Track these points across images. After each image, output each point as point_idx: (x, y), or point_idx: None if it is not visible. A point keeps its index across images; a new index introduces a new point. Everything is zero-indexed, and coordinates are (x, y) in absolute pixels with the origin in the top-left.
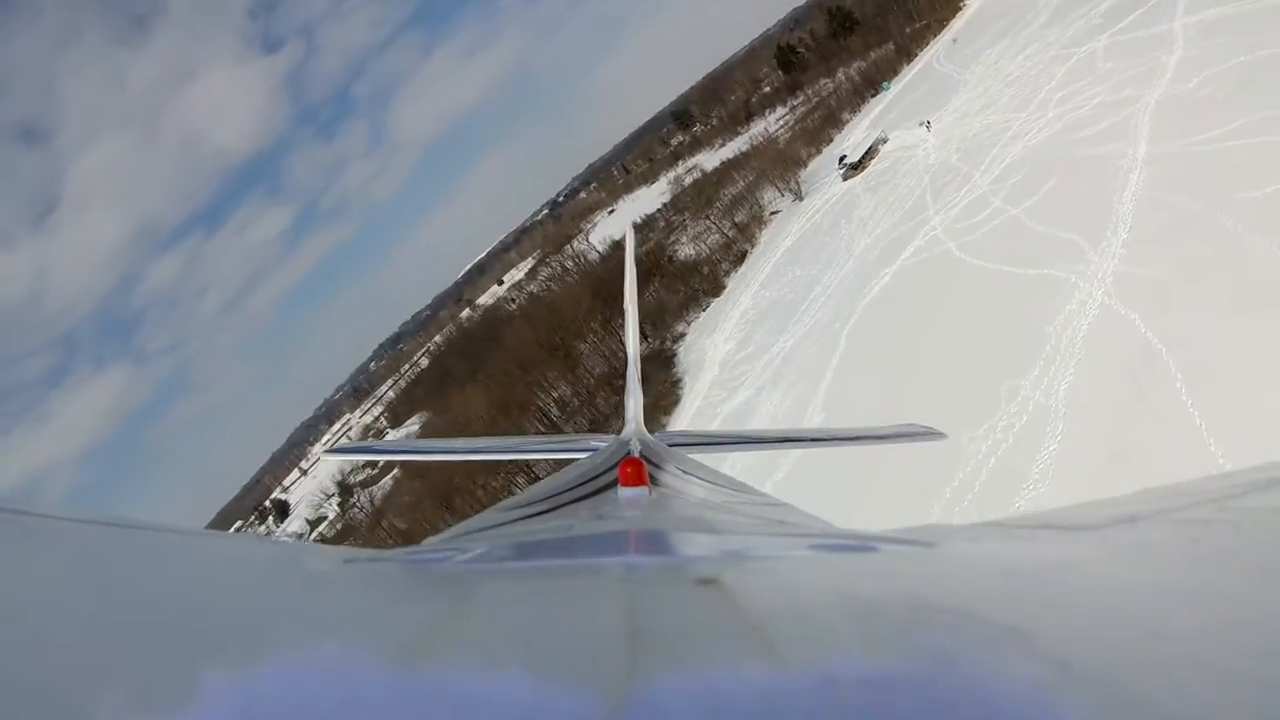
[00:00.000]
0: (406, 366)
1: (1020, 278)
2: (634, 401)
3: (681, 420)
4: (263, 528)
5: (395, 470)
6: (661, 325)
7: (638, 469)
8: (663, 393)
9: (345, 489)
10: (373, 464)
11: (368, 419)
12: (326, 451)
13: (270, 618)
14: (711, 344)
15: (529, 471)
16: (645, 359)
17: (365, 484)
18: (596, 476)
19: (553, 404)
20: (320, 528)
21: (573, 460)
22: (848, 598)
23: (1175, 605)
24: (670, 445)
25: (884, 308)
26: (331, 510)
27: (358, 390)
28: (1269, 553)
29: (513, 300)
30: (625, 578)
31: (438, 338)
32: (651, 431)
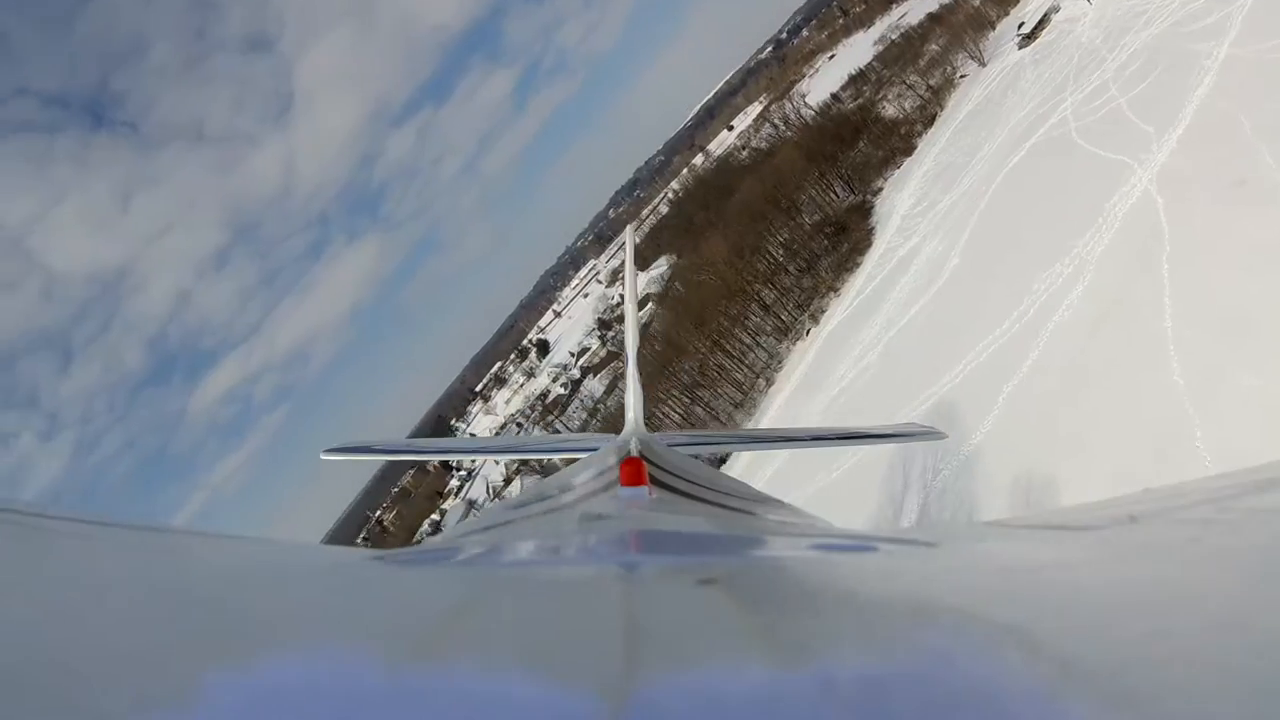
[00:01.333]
0: (646, 212)
1: (1106, 161)
2: (634, 401)
3: (871, 259)
4: (525, 364)
5: (650, 305)
6: (864, 180)
7: (638, 469)
8: (859, 238)
9: (604, 324)
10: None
11: (614, 263)
12: (324, 453)
13: (271, 617)
14: (899, 198)
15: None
16: (849, 210)
17: (622, 319)
18: (597, 476)
19: (780, 247)
20: (583, 358)
21: (574, 460)
22: (848, 598)
23: (1175, 605)
24: (670, 445)
25: (1016, 177)
26: (594, 342)
27: (600, 237)
28: (1269, 553)
29: (743, 148)
30: (625, 577)
31: (674, 184)
32: (652, 430)
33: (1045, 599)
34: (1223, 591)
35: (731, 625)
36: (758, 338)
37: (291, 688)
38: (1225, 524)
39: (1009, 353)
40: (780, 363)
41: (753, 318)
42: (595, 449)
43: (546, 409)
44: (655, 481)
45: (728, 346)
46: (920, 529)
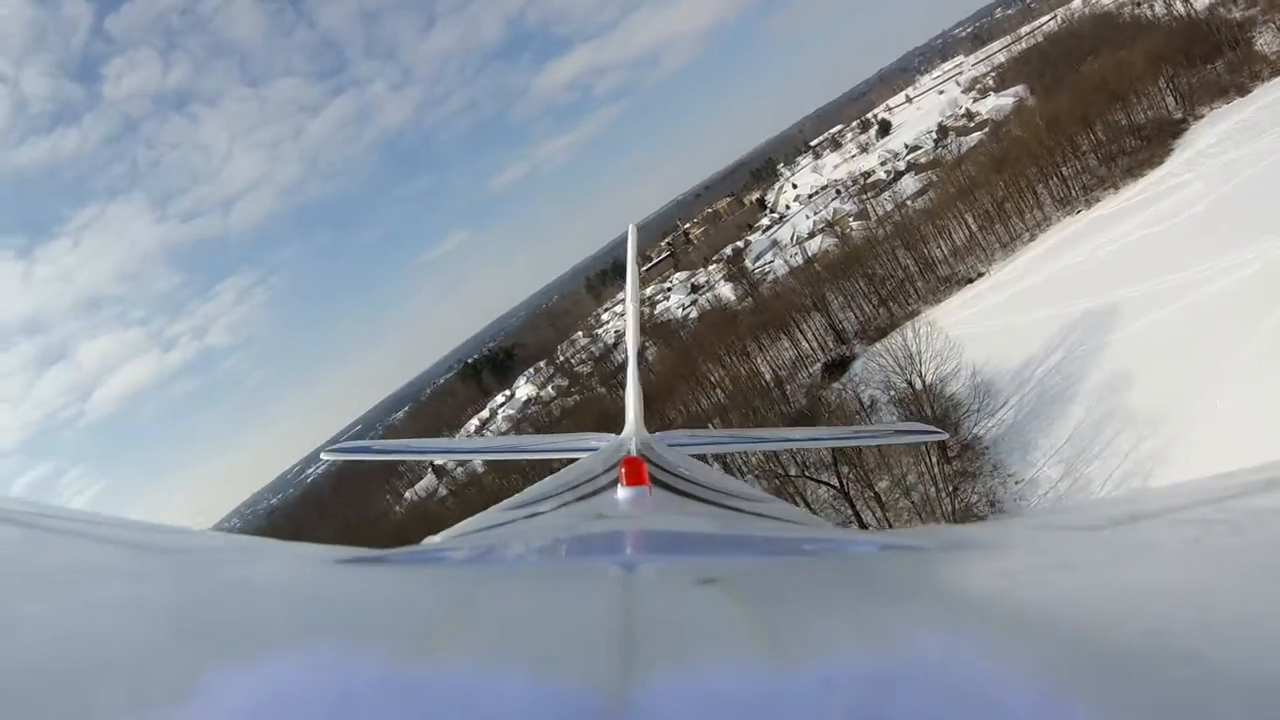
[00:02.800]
0: (1027, 30)
1: None
2: (634, 401)
3: (1154, 175)
4: (863, 137)
5: (987, 128)
6: (1194, 101)
7: (638, 469)
8: (1156, 153)
9: (943, 131)
10: (969, 116)
11: (978, 71)
12: (325, 451)
13: (269, 617)
14: (1205, 134)
15: None
16: (1163, 125)
17: (960, 132)
18: (596, 476)
19: (1101, 131)
20: (912, 154)
21: (573, 459)
22: (848, 598)
23: (1175, 605)
24: (670, 445)
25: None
26: (928, 143)
27: (978, 35)
28: (1269, 553)
29: (1137, 3)
30: (625, 577)
31: (1061, 12)
32: (651, 430)
33: (1045, 599)
34: (1223, 591)
35: (731, 625)
36: (1042, 199)
37: (291, 688)
38: (1225, 524)
39: (1176, 291)
40: (1048, 226)
41: (1051, 181)
42: (595, 449)
43: (865, 188)
44: (655, 481)
45: (1021, 198)
46: (920, 530)
